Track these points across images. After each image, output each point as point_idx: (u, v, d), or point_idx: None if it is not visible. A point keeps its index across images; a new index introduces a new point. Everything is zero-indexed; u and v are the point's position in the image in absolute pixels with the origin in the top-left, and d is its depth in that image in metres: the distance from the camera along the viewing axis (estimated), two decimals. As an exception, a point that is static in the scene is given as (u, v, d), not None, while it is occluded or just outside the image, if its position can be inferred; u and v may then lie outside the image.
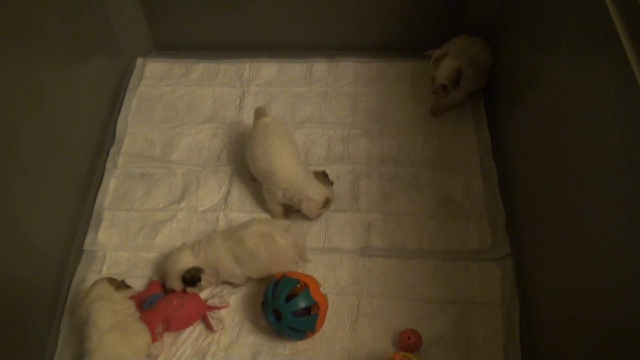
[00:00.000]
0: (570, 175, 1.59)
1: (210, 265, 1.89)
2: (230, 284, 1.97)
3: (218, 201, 2.18)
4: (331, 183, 2.09)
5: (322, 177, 2.08)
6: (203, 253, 1.89)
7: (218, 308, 1.91)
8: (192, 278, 1.86)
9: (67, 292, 1.99)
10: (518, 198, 2.07)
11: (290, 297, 1.76)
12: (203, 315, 1.89)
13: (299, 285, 1.79)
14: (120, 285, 1.84)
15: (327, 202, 2.04)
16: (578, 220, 1.55)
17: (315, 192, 2.01)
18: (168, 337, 1.87)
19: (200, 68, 2.59)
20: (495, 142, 2.28)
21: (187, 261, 1.87)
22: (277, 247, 1.87)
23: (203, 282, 1.89)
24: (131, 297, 1.88)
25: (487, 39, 2.35)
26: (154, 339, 1.81)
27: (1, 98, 1.70)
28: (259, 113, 2.10)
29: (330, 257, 2.02)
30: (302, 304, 1.75)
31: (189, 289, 1.88)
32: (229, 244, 1.89)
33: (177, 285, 1.88)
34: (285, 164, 2.01)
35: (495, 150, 2.26)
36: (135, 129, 2.40)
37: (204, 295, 1.94)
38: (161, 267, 1.94)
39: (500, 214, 2.09)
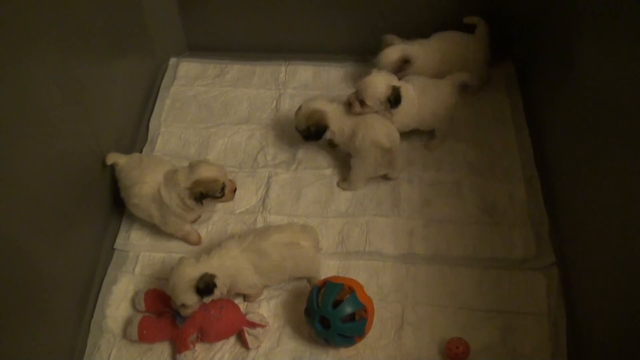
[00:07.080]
0: (617, 180, 1.55)
1: (226, 274, 1.76)
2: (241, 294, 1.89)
3: (255, 203, 2.13)
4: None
5: None
6: (216, 261, 1.76)
7: (257, 325, 1.80)
8: (206, 286, 1.70)
9: (98, 291, 1.95)
10: (562, 206, 2.03)
11: (336, 303, 1.69)
12: (240, 329, 1.81)
13: (343, 290, 1.73)
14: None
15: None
16: (624, 226, 1.50)
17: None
18: (200, 347, 1.81)
19: (235, 69, 2.57)
20: (537, 148, 2.24)
21: (193, 271, 1.71)
22: (301, 251, 1.82)
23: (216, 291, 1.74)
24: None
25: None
26: (186, 347, 1.76)
27: (42, 87, 1.66)
28: None
29: (372, 263, 1.98)
30: (349, 309, 1.69)
31: (206, 298, 1.72)
32: (248, 255, 1.80)
33: (189, 299, 1.71)
34: None
35: (537, 157, 2.21)
36: (169, 129, 2.36)
37: (242, 306, 1.87)
38: (168, 285, 1.73)
39: (544, 222, 2.05)
